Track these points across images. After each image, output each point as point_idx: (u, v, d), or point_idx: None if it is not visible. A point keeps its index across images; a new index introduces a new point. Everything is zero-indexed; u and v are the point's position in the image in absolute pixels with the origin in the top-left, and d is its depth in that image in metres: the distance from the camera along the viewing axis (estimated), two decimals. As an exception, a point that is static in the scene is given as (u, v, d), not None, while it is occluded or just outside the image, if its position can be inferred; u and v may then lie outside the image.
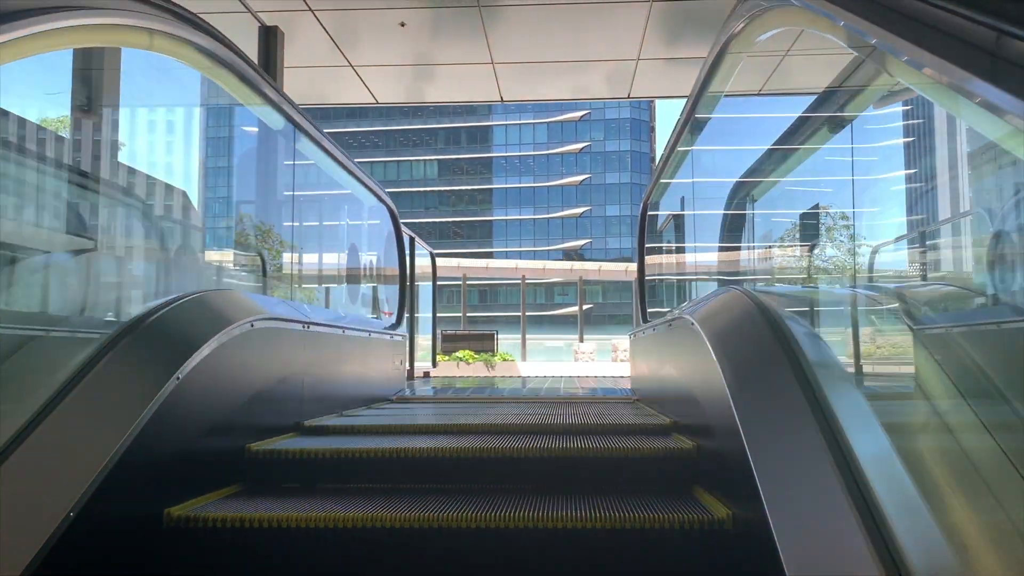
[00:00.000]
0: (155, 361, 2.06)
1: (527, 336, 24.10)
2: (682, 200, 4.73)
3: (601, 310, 77.25)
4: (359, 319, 4.06)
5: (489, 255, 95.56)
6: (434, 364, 8.11)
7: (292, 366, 3.14)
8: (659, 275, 5.94)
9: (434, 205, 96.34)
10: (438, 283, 7.94)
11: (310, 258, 4.37)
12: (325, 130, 3.77)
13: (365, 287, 4.75)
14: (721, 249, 4.69)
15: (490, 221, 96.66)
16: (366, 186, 4.34)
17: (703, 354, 2.40)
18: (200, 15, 2.67)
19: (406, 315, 6.12)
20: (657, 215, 5.53)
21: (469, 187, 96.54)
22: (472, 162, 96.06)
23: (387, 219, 5.18)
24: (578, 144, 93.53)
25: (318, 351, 3.42)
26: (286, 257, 3.95)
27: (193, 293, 2.43)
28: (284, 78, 9.86)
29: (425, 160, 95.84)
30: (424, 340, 8.28)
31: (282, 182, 3.90)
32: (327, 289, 4.59)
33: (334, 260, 4.81)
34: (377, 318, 5.07)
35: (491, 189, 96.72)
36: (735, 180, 4.29)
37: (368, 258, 4.85)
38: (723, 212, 4.61)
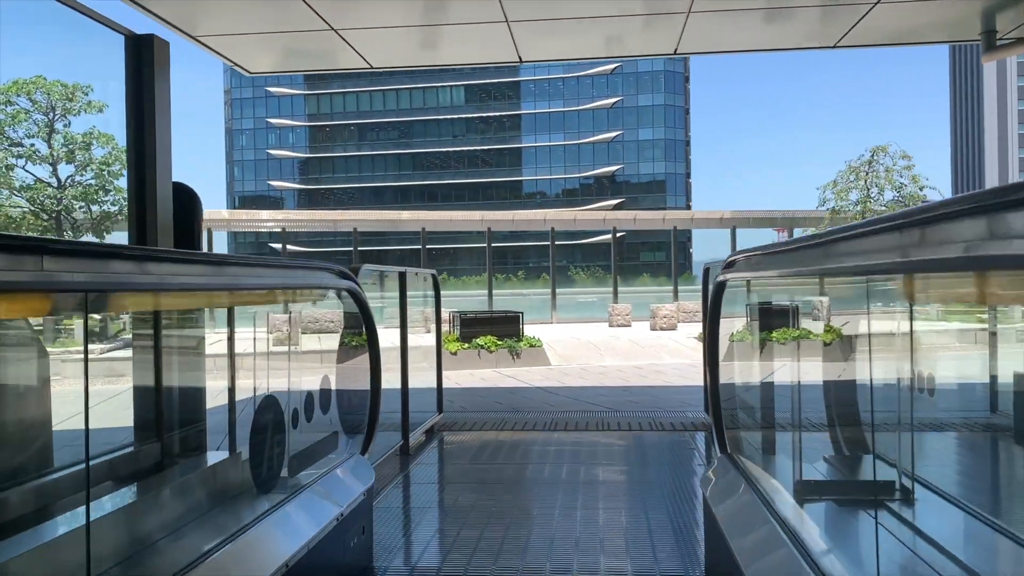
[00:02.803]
0: None
1: (557, 291, 22.57)
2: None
3: (634, 237, 75.15)
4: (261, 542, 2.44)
5: (518, 184, 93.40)
6: (440, 409, 6.61)
7: None
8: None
9: (461, 133, 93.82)
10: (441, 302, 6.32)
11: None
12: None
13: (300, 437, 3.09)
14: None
15: (519, 148, 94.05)
16: (276, 286, 2.71)
17: None
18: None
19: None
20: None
21: (497, 113, 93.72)
22: (500, 87, 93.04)
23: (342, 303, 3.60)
24: (609, 65, 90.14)
25: None
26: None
27: None
28: (252, 47, 8.16)
29: (451, 86, 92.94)
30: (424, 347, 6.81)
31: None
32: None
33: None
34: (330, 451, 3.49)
35: (520, 115, 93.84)
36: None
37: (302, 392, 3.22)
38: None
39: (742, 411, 3.89)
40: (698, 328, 17.76)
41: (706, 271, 6.42)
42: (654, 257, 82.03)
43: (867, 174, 23.05)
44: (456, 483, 4.91)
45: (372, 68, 8.99)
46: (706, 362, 3.90)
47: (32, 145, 16.00)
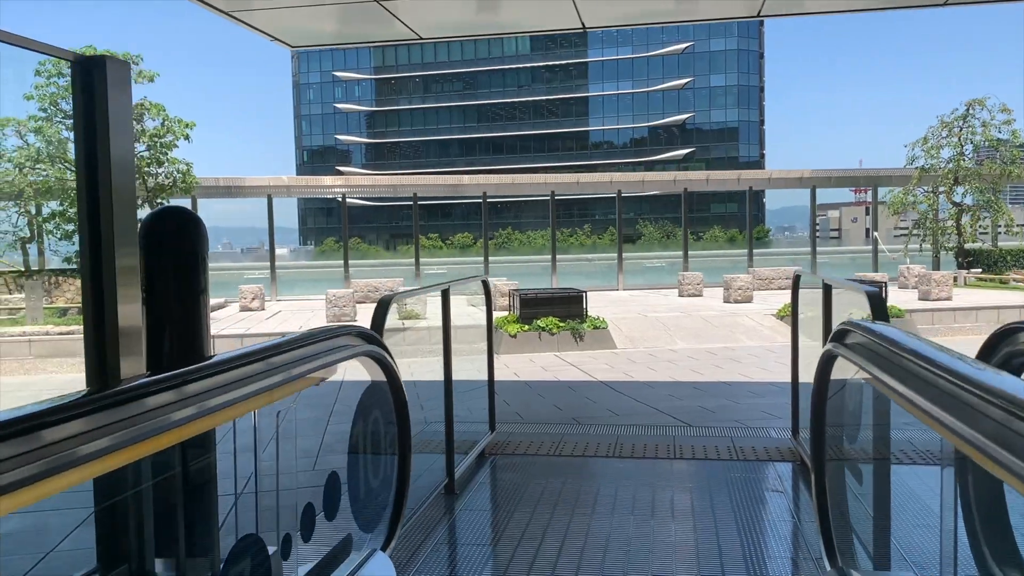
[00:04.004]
0: None
1: (624, 256, 21.66)
2: None
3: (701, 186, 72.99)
4: None
5: (585, 134, 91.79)
6: (492, 427, 6.00)
7: None
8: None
9: (527, 83, 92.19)
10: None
11: None
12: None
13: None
14: None
15: (586, 97, 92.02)
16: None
17: None
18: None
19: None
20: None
21: (563, 61, 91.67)
22: (566, 33, 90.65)
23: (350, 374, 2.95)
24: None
25: None
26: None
27: None
28: (294, 19, 7.52)
29: (517, 35, 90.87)
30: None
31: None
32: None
33: None
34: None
35: (587, 63, 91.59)
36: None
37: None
38: None
39: (853, 498, 3.12)
40: (774, 300, 16.73)
41: (796, 279, 5.58)
42: (725, 208, 79.80)
43: (960, 130, 21.27)
44: (509, 540, 4.28)
45: (421, 40, 8.27)
46: (811, 456, 3.09)
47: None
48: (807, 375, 5.70)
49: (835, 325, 4.88)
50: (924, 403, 1.93)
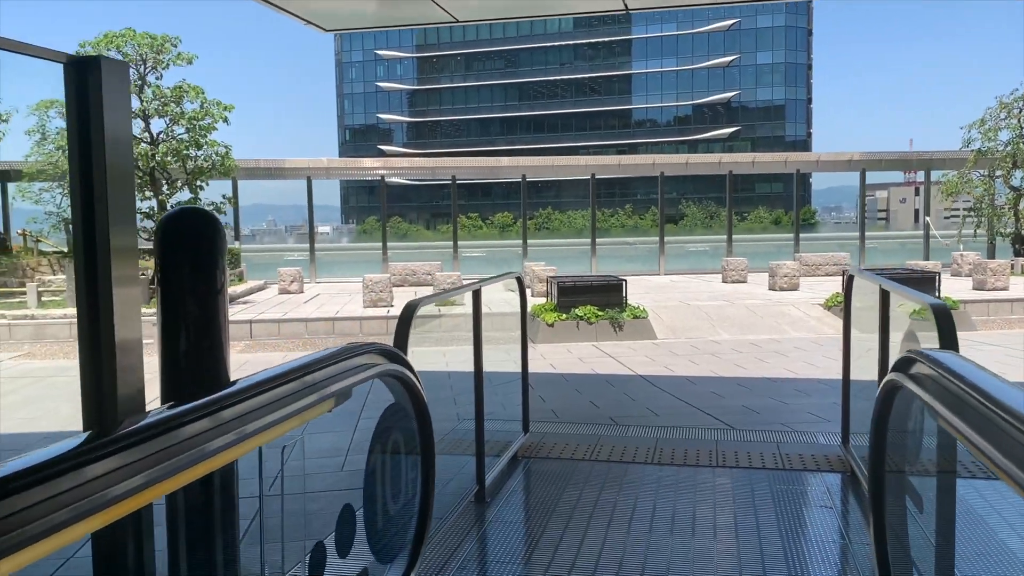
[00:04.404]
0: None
1: (665, 239, 21.23)
2: None
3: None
4: None
5: (627, 112, 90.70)
6: (526, 428, 5.80)
7: None
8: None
9: (569, 60, 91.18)
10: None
11: None
12: None
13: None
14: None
15: (629, 75, 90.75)
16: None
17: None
18: None
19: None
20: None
21: (606, 38, 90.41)
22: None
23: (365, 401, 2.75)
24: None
25: None
26: None
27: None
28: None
29: (556, 16, 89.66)
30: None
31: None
32: None
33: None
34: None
35: (630, 40, 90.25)
36: None
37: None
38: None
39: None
40: (821, 288, 16.23)
41: (849, 280, 5.26)
42: (771, 188, 78.32)
43: (1020, 111, 20.36)
44: (543, 555, 4.07)
45: (458, 22, 8.01)
46: (870, 493, 2.80)
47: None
48: (858, 373, 5.40)
49: (891, 325, 4.53)
50: (1009, 466, 1.65)
